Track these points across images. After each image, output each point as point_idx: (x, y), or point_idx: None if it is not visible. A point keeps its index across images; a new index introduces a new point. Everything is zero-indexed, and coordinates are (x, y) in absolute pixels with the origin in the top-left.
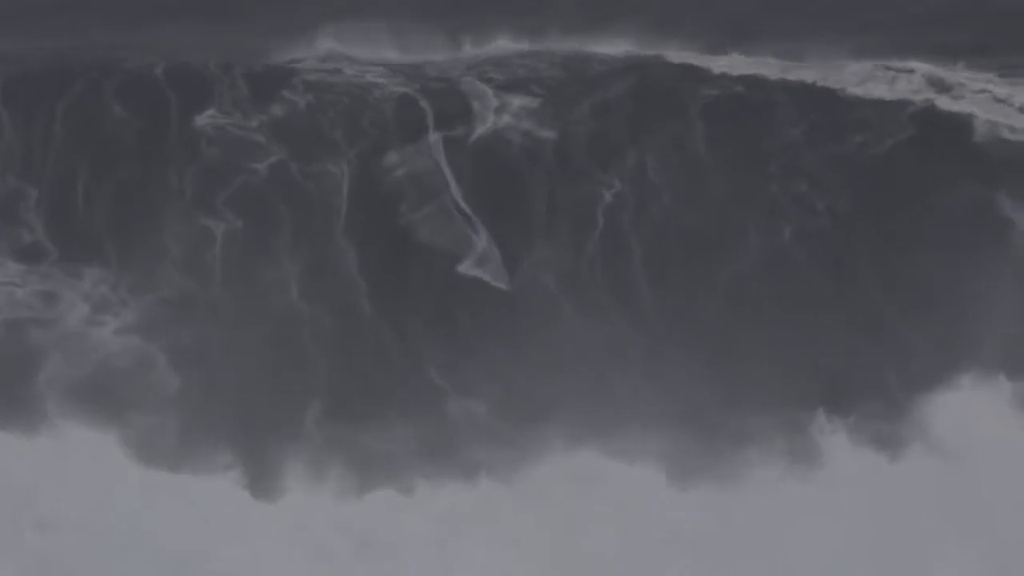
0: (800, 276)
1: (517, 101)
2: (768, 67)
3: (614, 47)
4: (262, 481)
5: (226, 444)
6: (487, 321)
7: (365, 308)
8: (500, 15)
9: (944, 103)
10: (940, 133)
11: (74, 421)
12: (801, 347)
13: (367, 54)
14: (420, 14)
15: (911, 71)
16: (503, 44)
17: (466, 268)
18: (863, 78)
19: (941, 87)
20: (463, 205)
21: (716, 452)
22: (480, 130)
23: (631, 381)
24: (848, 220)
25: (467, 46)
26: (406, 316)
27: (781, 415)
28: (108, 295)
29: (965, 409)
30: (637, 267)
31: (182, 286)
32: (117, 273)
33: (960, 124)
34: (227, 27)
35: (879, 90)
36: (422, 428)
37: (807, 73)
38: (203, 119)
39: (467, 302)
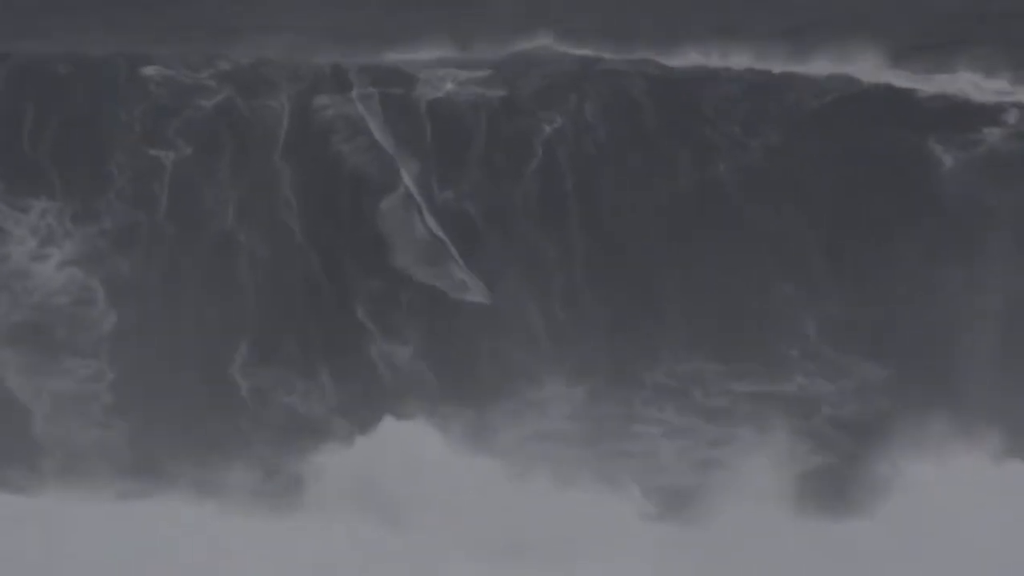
0: (732, 209)
1: (465, 74)
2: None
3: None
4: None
5: (157, 395)
6: (413, 257)
7: (297, 237)
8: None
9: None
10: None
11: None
12: (724, 287)
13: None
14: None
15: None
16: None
17: (388, 203)
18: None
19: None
20: (390, 141)
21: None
22: (422, 91)
23: (554, 323)
24: (780, 158)
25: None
26: (336, 248)
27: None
28: (54, 226)
29: None
30: (571, 201)
31: (127, 216)
32: (63, 204)
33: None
34: None
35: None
36: (347, 372)
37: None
38: (150, 70)
39: (395, 236)
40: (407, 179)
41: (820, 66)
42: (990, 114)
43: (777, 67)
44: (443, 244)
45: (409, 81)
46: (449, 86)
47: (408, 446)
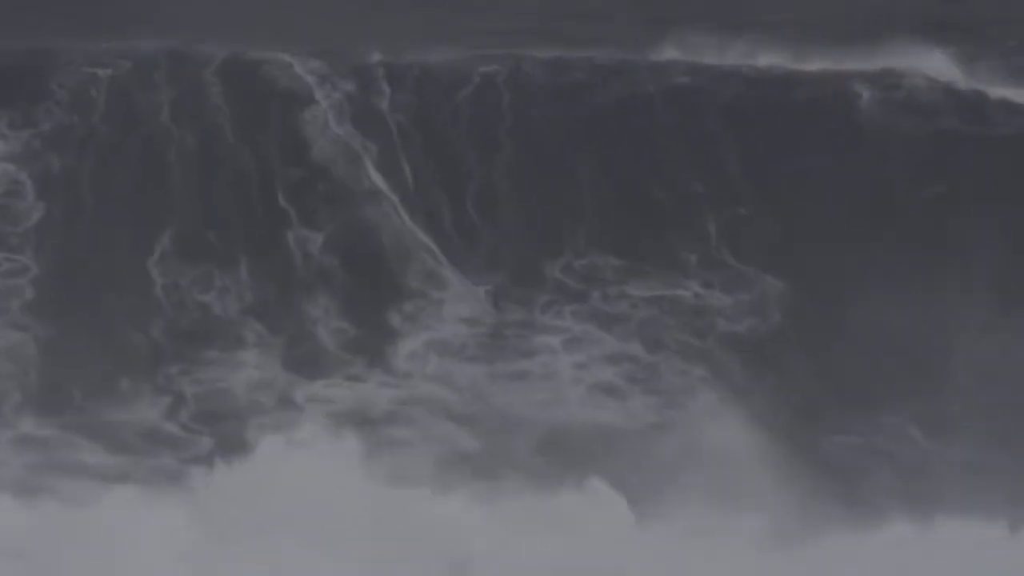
0: (655, 116)
1: None
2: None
3: None
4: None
5: (76, 296)
6: (332, 157)
7: (228, 136)
8: None
9: None
10: None
11: None
12: (635, 182)
13: None
14: None
15: None
16: None
17: (312, 114)
18: None
19: None
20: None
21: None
22: None
23: (466, 222)
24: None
25: None
26: (262, 146)
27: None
28: None
29: None
30: (503, 114)
31: (62, 119)
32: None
33: None
34: None
35: None
36: (264, 262)
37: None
38: None
39: (316, 138)
40: (332, 94)
41: None
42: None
43: None
44: (362, 148)
45: None
46: None
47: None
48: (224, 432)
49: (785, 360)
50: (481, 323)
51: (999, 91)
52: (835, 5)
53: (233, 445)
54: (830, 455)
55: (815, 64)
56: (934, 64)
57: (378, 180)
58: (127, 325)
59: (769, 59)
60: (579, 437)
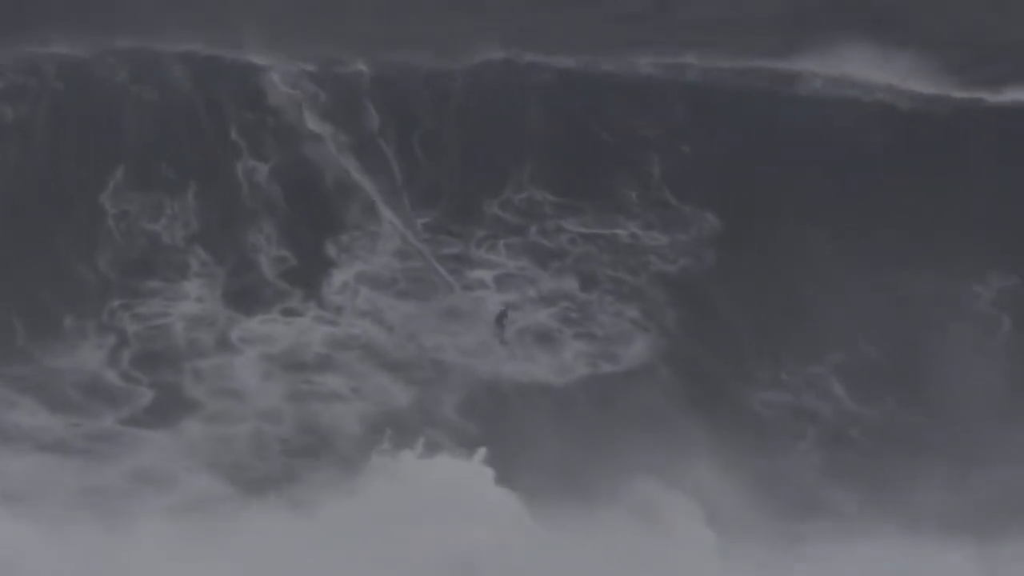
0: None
1: None
2: None
3: None
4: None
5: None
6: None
7: (185, 85)
8: None
9: None
10: None
11: None
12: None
13: None
14: None
15: None
16: None
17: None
18: None
19: None
20: None
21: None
22: None
23: (410, 158)
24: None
25: None
26: (219, 92)
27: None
28: None
29: None
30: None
31: (18, 79)
32: None
33: None
34: None
35: None
36: (213, 189)
37: None
38: None
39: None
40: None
41: None
42: None
43: None
44: (311, 101)
45: None
46: None
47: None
48: (163, 382)
49: (718, 303)
50: (415, 256)
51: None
52: None
53: (170, 400)
54: (759, 420)
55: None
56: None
57: (327, 123)
58: (76, 257)
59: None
60: (505, 395)
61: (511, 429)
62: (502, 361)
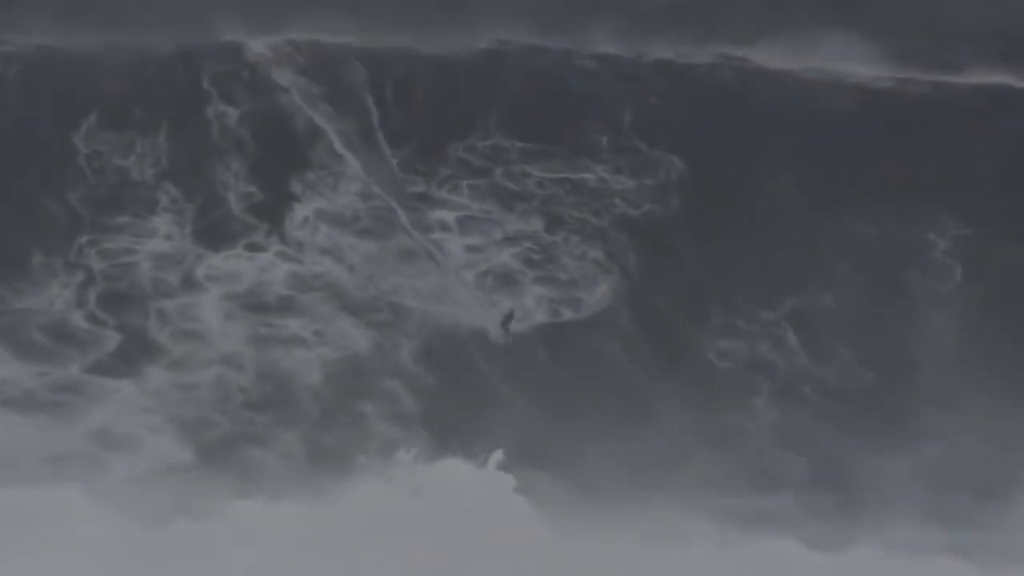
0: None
1: None
2: None
3: None
4: None
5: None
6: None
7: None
8: None
9: None
10: None
11: None
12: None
13: None
14: None
15: None
16: None
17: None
18: None
19: None
20: None
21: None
22: None
23: (383, 107)
24: None
25: None
26: (192, 45)
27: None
28: None
29: None
30: None
31: None
32: None
33: None
34: None
35: None
36: (183, 130)
37: None
38: None
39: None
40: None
41: None
42: None
43: None
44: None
45: None
46: None
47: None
48: (129, 325)
49: (681, 247)
50: (377, 196)
51: None
52: None
53: (135, 345)
54: (715, 373)
55: None
56: None
57: (300, 76)
58: (46, 194)
59: None
60: (464, 343)
61: (468, 385)
62: (462, 308)
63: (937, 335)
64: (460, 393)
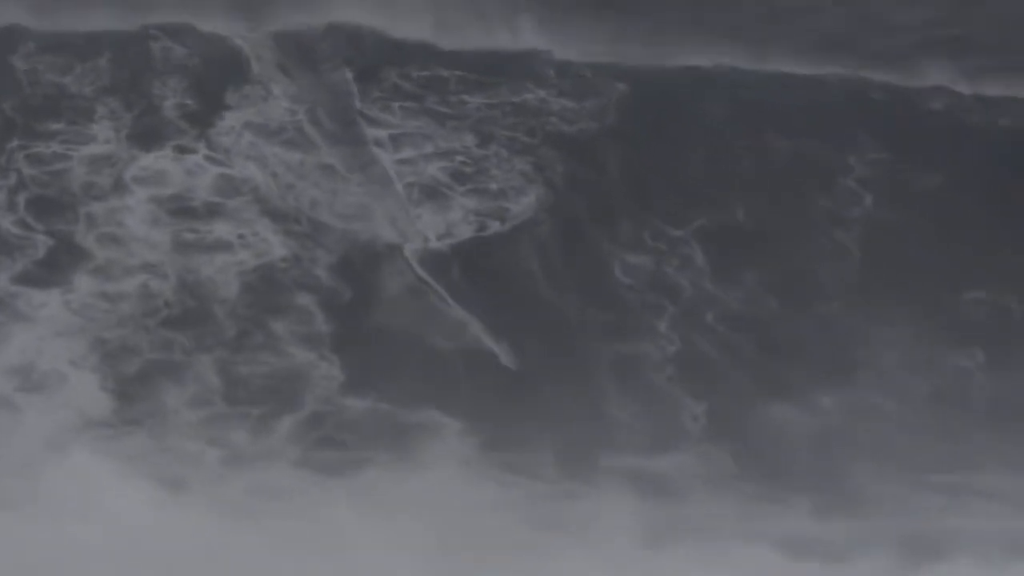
0: None
1: None
2: None
3: None
4: None
5: None
6: None
7: None
8: None
9: None
10: None
11: None
12: None
13: None
14: None
15: None
16: None
17: None
18: None
19: None
20: None
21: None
22: None
23: None
24: None
25: None
26: None
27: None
28: None
29: None
30: None
31: None
32: None
33: None
34: None
35: None
36: (125, 56)
37: None
38: None
39: None
40: None
41: None
42: None
43: None
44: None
45: None
46: None
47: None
48: (57, 231)
49: (609, 160)
50: (307, 110)
51: None
52: None
53: (63, 250)
54: (619, 289)
55: None
56: None
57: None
58: None
59: None
60: (379, 258)
61: (383, 299)
62: (383, 223)
63: (843, 262)
64: (372, 312)
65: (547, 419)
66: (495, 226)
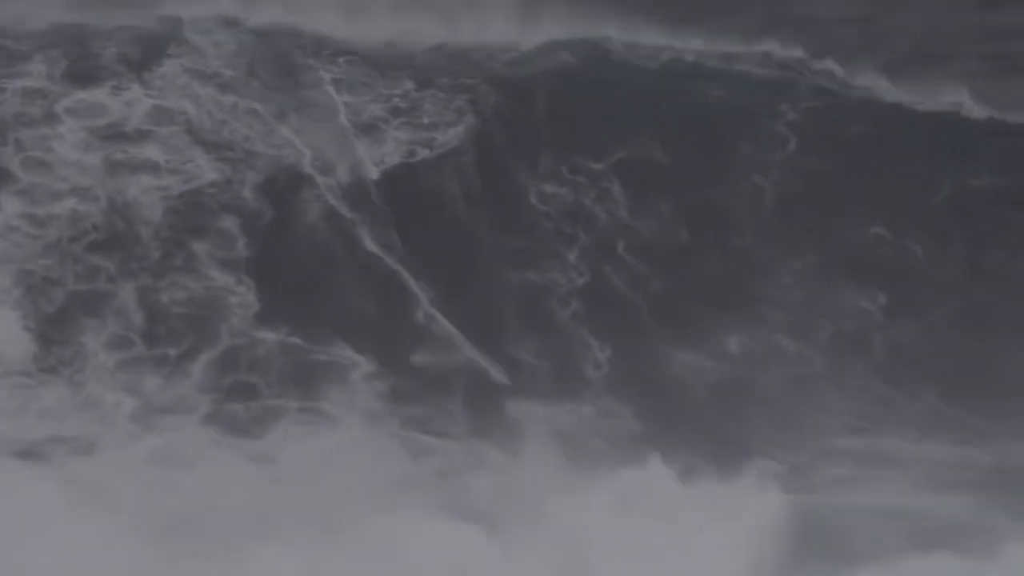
0: None
1: None
2: None
3: None
4: None
5: None
6: None
7: None
8: None
9: None
10: None
11: None
12: None
13: None
14: None
15: None
16: None
17: None
18: None
19: None
20: None
21: None
22: None
23: None
24: None
25: None
26: None
27: None
28: None
29: None
30: None
31: None
32: None
33: None
34: None
35: None
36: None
37: None
38: None
39: None
40: None
41: None
42: None
43: None
44: None
45: None
46: None
47: None
48: None
49: (538, 96)
50: (243, 63)
51: None
52: None
53: None
54: (536, 214)
55: None
56: None
57: None
58: None
59: None
60: (305, 179)
61: (302, 225)
62: (312, 153)
63: (757, 201)
64: (290, 238)
65: (453, 359)
66: (424, 153)
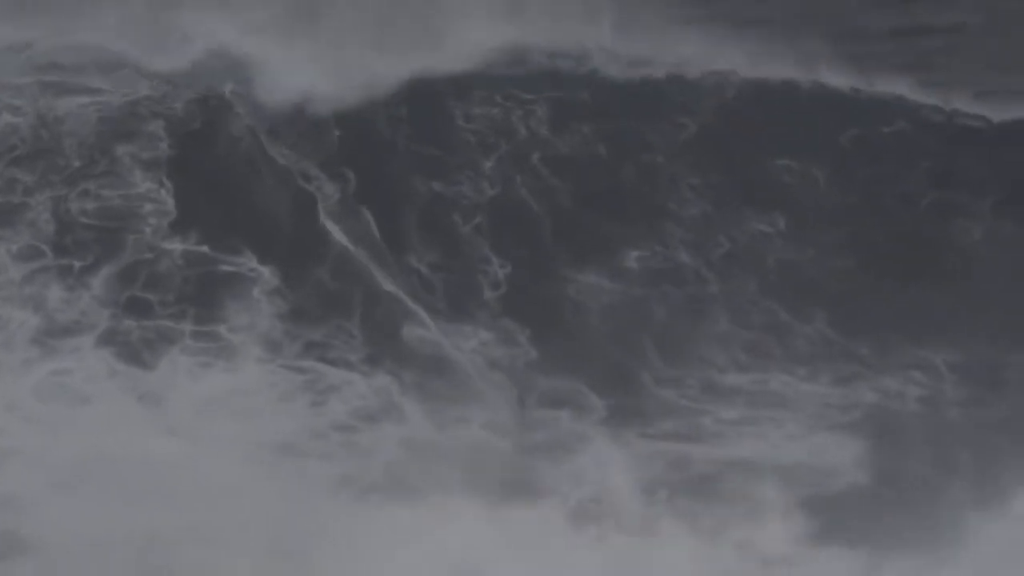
0: None
1: None
2: None
3: None
4: None
5: None
6: None
7: None
8: None
9: None
10: None
11: None
12: None
13: None
14: None
15: None
16: None
17: None
18: None
19: None
20: None
21: None
22: None
23: None
24: None
25: None
26: None
27: None
28: None
29: None
30: None
31: None
32: None
33: None
34: None
35: None
36: None
37: None
38: None
39: None
40: None
41: None
42: None
43: None
44: None
45: None
46: None
47: None
48: None
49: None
50: None
51: None
52: None
53: None
54: (460, 130)
55: None
56: None
57: None
58: None
59: None
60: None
61: (226, 135)
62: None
63: (681, 129)
64: (214, 146)
65: (354, 275)
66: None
